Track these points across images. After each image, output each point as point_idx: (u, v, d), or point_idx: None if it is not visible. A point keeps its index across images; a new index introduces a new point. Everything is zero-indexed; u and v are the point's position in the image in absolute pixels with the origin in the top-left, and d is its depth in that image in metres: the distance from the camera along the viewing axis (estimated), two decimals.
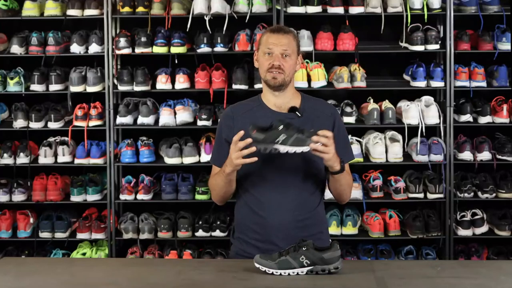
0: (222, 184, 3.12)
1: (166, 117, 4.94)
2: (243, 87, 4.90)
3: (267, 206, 3.13)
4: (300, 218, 3.14)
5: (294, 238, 2.99)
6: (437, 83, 4.93)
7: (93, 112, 4.99)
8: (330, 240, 3.18)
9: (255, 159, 2.92)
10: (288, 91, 3.18)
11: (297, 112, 3.15)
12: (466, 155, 4.93)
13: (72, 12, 5.02)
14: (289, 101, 3.19)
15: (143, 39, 4.97)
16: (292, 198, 3.13)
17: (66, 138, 5.05)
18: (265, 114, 3.16)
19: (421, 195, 4.91)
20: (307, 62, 4.94)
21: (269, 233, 3.13)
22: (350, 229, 4.90)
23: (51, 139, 5.10)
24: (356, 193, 4.88)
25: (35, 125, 5.02)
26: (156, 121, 5.03)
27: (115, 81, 5.01)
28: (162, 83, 4.98)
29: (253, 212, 3.16)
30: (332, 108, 3.27)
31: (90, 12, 5.00)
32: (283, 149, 2.88)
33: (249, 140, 2.91)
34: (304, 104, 3.20)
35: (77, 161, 5.01)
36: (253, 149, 2.91)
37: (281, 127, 2.88)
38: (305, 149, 2.89)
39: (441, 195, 4.89)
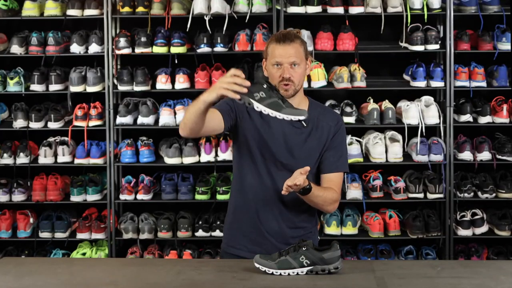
0: (193, 112, 2.91)
1: (166, 117, 4.94)
2: None
3: (259, 197, 3.16)
4: (289, 216, 3.17)
5: (283, 235, 3.11)
6: (437, 83, 4.93)
7: (93, 112, 4.99)
8: (318, 238, 3.23)
9: (237, 96, 2.80)
10: (297, 97, 3.19)
11: (303, 122, 3.17)
12: (466, 155, 4.93)
13: (72, 12, 5.02)
14: (297, 106, 3.19)
15: (143, 39, 4.97)
16: (286, 201, 3.16)
17: (66, 138, 5.05)
18: (273, 117, 3.16)
19: (421, 195, 4.91)
20: None
21: (260, 225, 3.17)
22: (350, 229, 4.89)
23: (51, 139, 5.10)
24: (356, 193, 4.88)
25: (35, 125, 5.02)
26: (156, 121, 5.03)
27: (115, 81, 5.01)
28: (162, 83, 4.98)
29: (247, 200, 3.19)
30: (337, 119, 3.27)
31: (90, 12, 5.00)
32: (256, 106, 2.82)
33: (247, 82, 2.79)
34: (311, 112, 3.18)
35: (77, 161, 5.01)
36: (245, 88, 2.79)
37: (265, 85, 2.85)
38: (278, 115, 2.84)
39: (441, 195, 4.89)
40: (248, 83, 2.79)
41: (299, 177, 2.91)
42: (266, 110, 2.83)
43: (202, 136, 3.20)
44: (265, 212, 3.17)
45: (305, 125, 3.17)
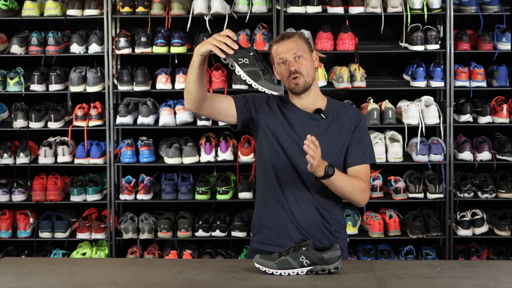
0: (190, 71, 3.01)
1: (166, 117, 4.94)
2: (243, 87, 4.90)
3: (287, 186, 3.17)
4: (319, 205, 3.19)
5: (313, 224, 3.13)
6: (437, 83, 4.93)
7: (93, 112, 4.99)
8: (348, 240, 3.25)
9: (223, 55, 2.90)
10: (312, 91, 3.23)
11: (321, 114, 3.21)
12: (466, 155, 4.93)
13: (72, 12, 5.02)
14: (314, 101, 3.24)
15: (143, 39, 4.97)
16: (314, 191, 3.18)
17: (66, 138, 5.05)
18: (293, 112, 3.22)
19: (421, 195, 4.91)
20: None
21: (290, 215, 3.17)
22: (350, 229, 4.89)
23: (51, 139, 5.10)
24: None
25: (35, 125, 5.02)
26: (156, 121, 5.03)
27: (115, 81, 5.01)
28: (162, 83, 4.98)
29: (276, 200, 3.20)
30: (356, 112, 3.29)
31: (90, 12, 5.00)
32: (237, 70, 2.91)
33: (235, 45, 2.90)
34: (329, 107, 3.25)
35: (77, 161, 5.01)
36: (232, 50, 2.89)
37: (252, 53, 2.93)
38: (254, 84, 2.91)
39: (441, 195, 4.89)
40: (236, 46, 2.90)
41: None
42: (244, 77, 2.91)
43: (211, 116, 3.23)
44: (293, 200, 3.17)
45: (324, 117, 3.20)
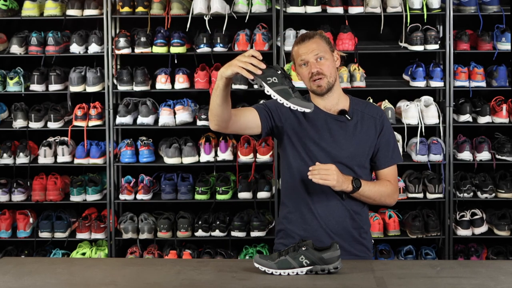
0: (214, 93, 2.95)
1: (165, 117, 4.95)
2: (243, 87, 4.90)
3: (313, 193, 3.17)
4: (351, 213, 3.20)
5: (343, 233, 3.16)
6: (436, 83, 4.93)
7: (92, 112, 4.99)
8: (373, 241, 3.26)
9: (251, 76, 2.83)
10: (335, 92, 3.20)
11: (346, 115, 3.19)
12: (466, 155, 4.94)
13: (72, 12, 5.02)
14: (338, 102, 3.22)
15: (143, 39, 4.98)
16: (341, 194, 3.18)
17: (65, 138, 5.05)
18: (317, 115, 3.19)
19: (421, 195, 4.91)
20: None
21: (317, 228, 3.17)
22: None
23: (51, 139, 5.10)
24: None
25: (34, 125, 5.02)
26: (156, 121, 5.03)
27: (115, 81, 5.01)
28: (162, 83, 4.99)
29: (303, 201, 3.19)
30: (380, 111, 3.28)
31: (90, 12, 5.01)
32: (267, 90, 2.85)
33: (262, 65, 2.83)
34: (353, 107, 3.23)
35: (76, 161, 5.01)
36: (259, 70, 2.82)
37: (279, 71, 2.87)
38: (285, 103, 2.86)
39: (441, 195, 4.89)
40: (263, 66, 2.82)
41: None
42: (275, 96, 2.86)
43: (237, 132, 3.23)
44: (322, 205, 3.16)
45: (349, 118, 3.19)
